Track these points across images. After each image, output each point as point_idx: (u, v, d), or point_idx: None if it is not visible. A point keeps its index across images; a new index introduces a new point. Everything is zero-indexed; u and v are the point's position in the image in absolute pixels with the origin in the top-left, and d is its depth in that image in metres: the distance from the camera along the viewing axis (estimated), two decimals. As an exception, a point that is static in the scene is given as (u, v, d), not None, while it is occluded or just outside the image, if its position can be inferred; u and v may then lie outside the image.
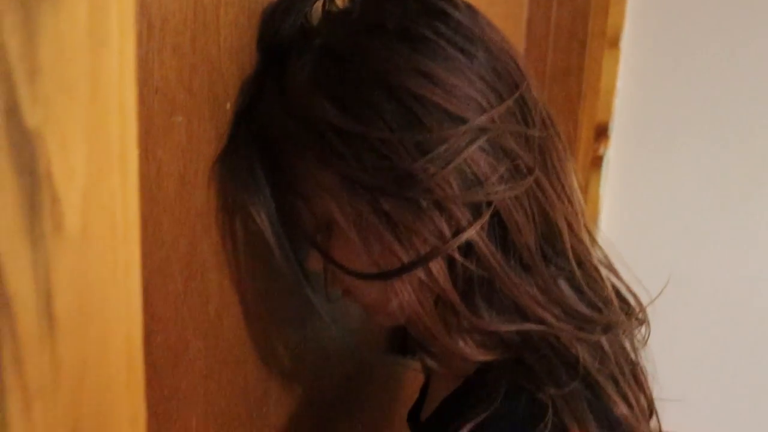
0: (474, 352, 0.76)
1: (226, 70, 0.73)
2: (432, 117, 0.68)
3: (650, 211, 2.02)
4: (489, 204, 0.70)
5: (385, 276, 0.73)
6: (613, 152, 1.97)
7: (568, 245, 0.76)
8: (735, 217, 1.96)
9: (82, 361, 0.32)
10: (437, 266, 0.72)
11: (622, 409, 0.75)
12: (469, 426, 0.70)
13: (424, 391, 0.99)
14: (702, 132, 1.93)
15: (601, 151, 1.91)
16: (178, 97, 0.68)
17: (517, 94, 0.72)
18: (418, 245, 0.71)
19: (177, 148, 0.69)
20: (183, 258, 0.72)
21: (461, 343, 0.76)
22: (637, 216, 2.03)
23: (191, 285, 0.74)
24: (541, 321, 0.74)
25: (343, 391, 1.10)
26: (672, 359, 2.00)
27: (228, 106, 0.74)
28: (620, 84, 1.95)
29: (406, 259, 0.71)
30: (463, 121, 0.69)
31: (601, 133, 1.90)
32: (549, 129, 0.76)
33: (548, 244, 0.76)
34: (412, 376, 1.27)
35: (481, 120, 0.69)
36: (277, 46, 0.76)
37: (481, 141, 0.69)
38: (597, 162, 1.91)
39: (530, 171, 0.72)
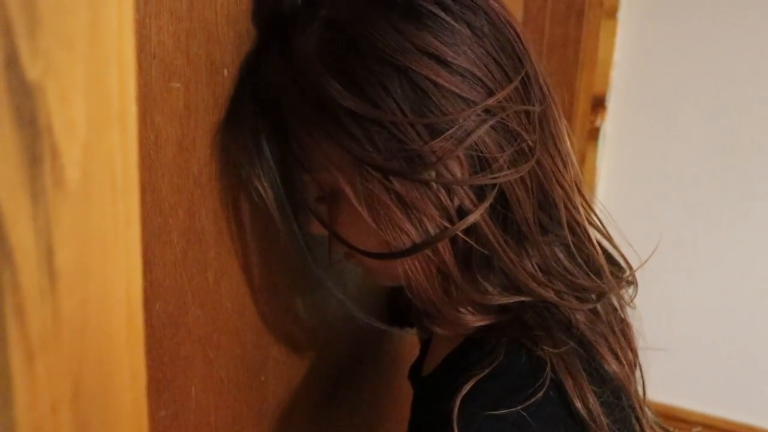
0: (473, 319, 0.78)
1: (223, 36, 0.72)
2: (441, 99, 0.69)
3: (647, 182, 2.03)
4: (494, 186, 0.72)
5: (394, 256, 0.75)
6: (609, 124, 1.98)
7: (563, 212, 0.77)
8: (730, 187, 1.96)
9: (83, 315, 0.33)
10: (442, 244, 0.74)
11: (613, 366, 0.78)
12: (473, 380, 0.72)
13: (425, 348, 1.01)
14: (698, 103, 1.93)
15: (597, 122, 1.91)
16: (175, 63, 0.67)
17: (523, 73, 0.73)
18: (427, 224, 0.72)
19: (174, 115, 0.69)
20: (181, 225, 0.72)
21: (462, 312, 0.78)
22: (633, 187, 2.04)
23: (190, 252, 0.74)
24: (538, 296, 0.76)
25: (342, 357, 1.11)
26: (661, 317, 2.02)
27: (225, 72, 0.74)
28: (617, 55, 1.94)
29: (415, 236, 0.72)
30: (472, 102, 0.69)
31: (598, 104, 1.90)
32: (547, 98, 0.77)
33: (545, 213, 0.77)
34: (410, 337, 1.28)
35: (489, 102, 0.70)
36: (280, 12, 0.76)
37: (489, 123, 0.70)
38: (594, 133, 1.91)
39: (532, 151, 0.73)
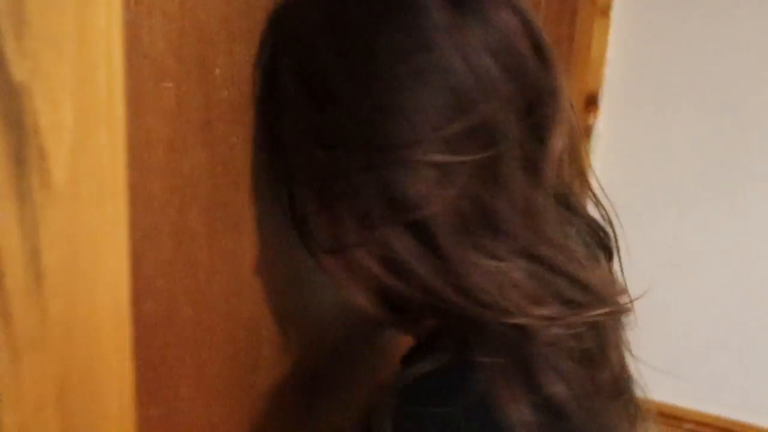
0: (393, 320, 0.86)
1: (215, 36, 0.73)
2: (362, 134, 0.71)
3: (641, 181, 2.03)
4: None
5: (308, 245, 0.82)
6: (603, 122, 1.98)
7: (517, 241, 0.75)
8: (726, 186, 1.96)
9: (70, 316, 0.33)
10: (362, 256, 0.77)
11: (557, 388, 0.75)
12: (409, 378, 0.75)
13: None
14: (692, 101, 1.94)
15: (591, 120, 1.91)
16: (166, 63, 0.67)
17: (469, 121, 0.70)
18: (339, 229, 0.76)
19: (166, 114, 0.69)
20: (172, 224, 0.73)
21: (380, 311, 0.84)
22: (627, 186, 2.04)
23: (180, 252, 0.74)
24: (476, 313, 0.75)
25: (336, 358, 1.11)
26: (656, 315, 2.02)
27: (217, 71, 0.74)
28: (610, 54, 1.94)
29: (330, 237, 0.78)
30: (393, 146, 0.70)
31: (591, 102, 1.90)
32: (499, 143, 0.72)
33: (488, 240, 0.74)
34: (404, 337, 1.28)
35: (414, 150, 0.70)
36: None
37: (406, 165, 0.70)
38: (587, 132, 1.92)
39: (436, 203, 0.72)
